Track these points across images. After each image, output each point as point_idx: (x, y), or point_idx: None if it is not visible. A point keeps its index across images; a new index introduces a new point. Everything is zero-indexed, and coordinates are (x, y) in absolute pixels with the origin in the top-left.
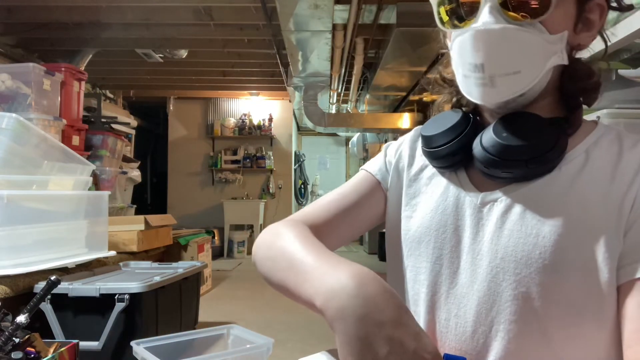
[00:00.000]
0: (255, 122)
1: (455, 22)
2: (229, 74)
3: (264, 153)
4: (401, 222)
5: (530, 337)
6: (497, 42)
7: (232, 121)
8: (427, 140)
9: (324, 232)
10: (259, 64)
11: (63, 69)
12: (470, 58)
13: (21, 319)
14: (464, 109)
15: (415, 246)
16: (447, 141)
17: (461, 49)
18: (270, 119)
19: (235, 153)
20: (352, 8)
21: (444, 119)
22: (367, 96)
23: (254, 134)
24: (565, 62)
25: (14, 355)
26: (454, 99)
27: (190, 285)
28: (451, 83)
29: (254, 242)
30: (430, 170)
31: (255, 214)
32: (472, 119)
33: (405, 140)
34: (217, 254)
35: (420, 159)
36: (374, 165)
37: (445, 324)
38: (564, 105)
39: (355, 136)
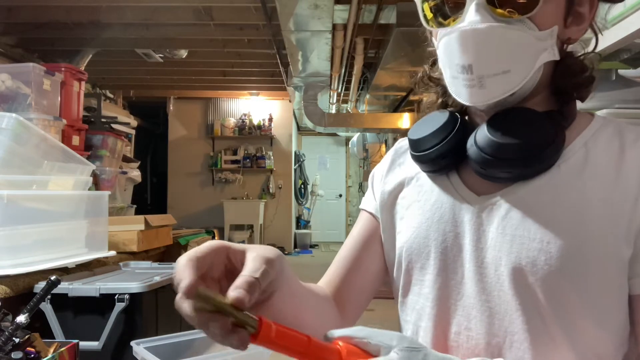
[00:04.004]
0: (255, 122)
1: (440, 19)
2: (229, 74)
3: (264, 153)
4: (396, 238)
5: (542, 344)
6: (485, 42)
7: (232, 121)
8: (415, 144)
9: (342, 290)
10: (259, 64)
11: (63, 69)
12: (458, 59)
13: (21, 319)
14: (450, 109)
15: (415, 259)
16: (435, 143)
17: (448, 50)
18: (270, 119)
19: (235, 153)
20: (352, 8)
21: (431, 121)
22: (367, 96)
23: (254, 134)
24: (557, 57)
25: (14, 355)
26: (440, 100)
27: None
28: (437, 82)
29: (253, 242)
30: (421, 178)
31: (255, 214)
32: (459, 118)
33: (386, 158)
34: None
35: (408, 169)
36: (367, 202)
37: (456, 338)
38: (556, 100)
39: (355, 136)
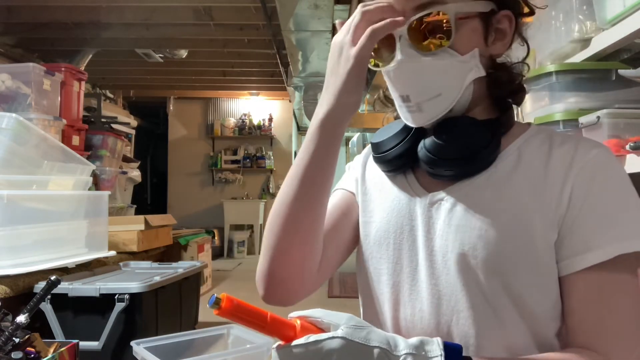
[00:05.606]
0: (255, 122)
1: (380, 62)
2: (229, 74)
3: (264, 153)
4: (360, 227)
5: (486, 320)
6: (414, 74)
7: (232, 121)
8: (376, 147)
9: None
10: (259, 64)
11: (63, 69)
12: (397, 91)
13: (21, 319)
14: None
15: (375, 249)
16: (392, 146)
17: (389, 85)
18: (270, 119)
19: (235, 153)
20: (352, 8)
21: (390, 128)
22: (367, 96)
23: (254, 134)
24: (483, 73)
25: (14, 355)
26: (396, 113)
27: (190, 285)
28: (393, 102)
29: (254, 242)
30: (382, 177)
31: (255, 214)
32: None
33: (359, 155)
34: (217, 254)
35: (373, 169)
36: (345, 182)
37: (411, 320)
38: (496, 108)
39: (355, 136)
